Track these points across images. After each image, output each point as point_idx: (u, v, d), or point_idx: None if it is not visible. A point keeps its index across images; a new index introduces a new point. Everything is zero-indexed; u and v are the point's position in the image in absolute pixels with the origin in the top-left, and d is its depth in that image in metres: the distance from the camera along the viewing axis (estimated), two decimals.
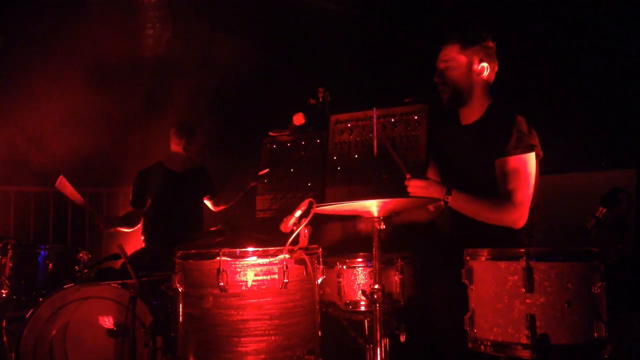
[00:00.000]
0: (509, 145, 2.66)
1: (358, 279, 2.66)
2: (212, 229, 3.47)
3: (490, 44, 2.86)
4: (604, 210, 2.29)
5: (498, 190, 2.69)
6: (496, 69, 2.89)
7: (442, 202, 2.68)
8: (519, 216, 2.62)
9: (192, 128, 4.30)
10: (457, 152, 2.91)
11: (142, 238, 4.25)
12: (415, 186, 2.65)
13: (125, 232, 4.25)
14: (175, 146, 4.31)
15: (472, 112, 2.88)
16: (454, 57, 2.82)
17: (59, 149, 5.10)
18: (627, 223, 2.21)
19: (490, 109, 2.84)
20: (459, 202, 2.66)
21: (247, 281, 2.28)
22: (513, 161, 2.65)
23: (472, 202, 2.66)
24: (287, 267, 2.29)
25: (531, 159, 2.67)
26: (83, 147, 5.35)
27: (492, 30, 2.89)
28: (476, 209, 2.66)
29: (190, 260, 2.38)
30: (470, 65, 2.82)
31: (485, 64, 2.83)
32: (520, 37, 4.35)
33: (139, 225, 4.29)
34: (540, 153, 2.72)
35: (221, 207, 4.44)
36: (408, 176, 2.75)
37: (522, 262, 2.04)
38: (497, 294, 2.10)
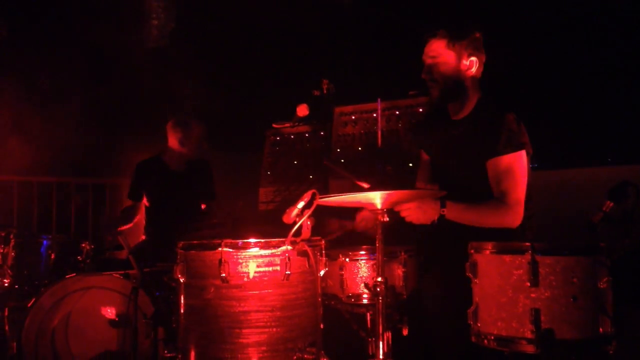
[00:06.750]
0: (499, 145, 2.59)
1: (361, 271, 2.64)
2: (215, 221, 3.46)
3: (477, 35, 2.76)
4: (612, 204, 2.26)
5: (487, 189, 2.63)
6: (484, 60, 2.78)
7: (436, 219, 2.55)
8: (516, 217, 2.58)
9: (187, 122, 4.17)
10: (447, 148, 2.84)
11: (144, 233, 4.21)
12: (407, 209, 2.53)
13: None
14: (172, 140, 4.18)
15: (462, 107, 2.80)
16: (441, 53, 2.72)
17: (63, 139, 5.10)
18: (634, 217, 2.18)
19: (479, 104, 2.77)
20: (454, 212, 2.56)
21: (249, 272, 2.26)
22: (505, 161, 2.59)
23: (468, 211, 2.58)
24: (289, 258, 2.27)
25: (522, 156, 2.61)
26: (85, 138, 5.36)
27: (477, 20, 2.78)
28: (473, 217, 2.59)
29: (192, 251, 2.36)
30: (459, 60, 2.72)
31: (474, 59, 2.73)
32: (524, 29, 4.30)
33: (135, 221, 4.23)
34: (530, 150, 2.66)
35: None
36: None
37: (528, 256, 2.01)
38: (501, 287, 2.07)
